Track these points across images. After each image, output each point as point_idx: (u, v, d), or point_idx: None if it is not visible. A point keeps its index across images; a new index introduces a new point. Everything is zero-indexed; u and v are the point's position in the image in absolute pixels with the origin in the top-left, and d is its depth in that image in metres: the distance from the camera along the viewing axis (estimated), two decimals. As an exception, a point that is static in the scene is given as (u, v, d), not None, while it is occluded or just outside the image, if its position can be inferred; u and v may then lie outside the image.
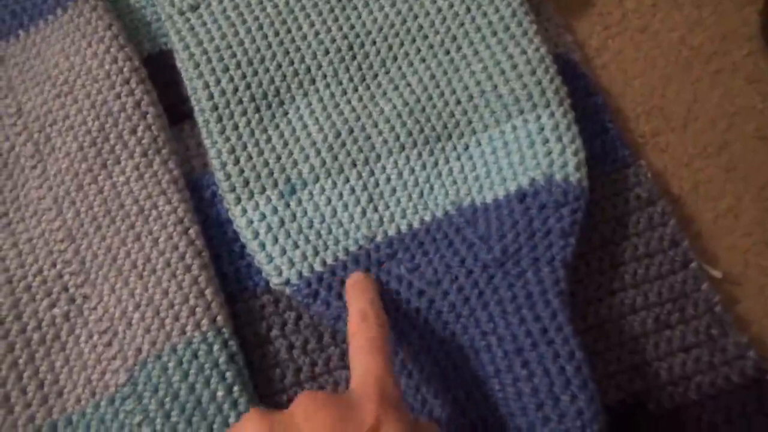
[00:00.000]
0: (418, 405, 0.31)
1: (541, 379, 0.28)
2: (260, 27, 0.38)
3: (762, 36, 0.39)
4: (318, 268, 0.33)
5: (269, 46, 0.38)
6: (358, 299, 0.31)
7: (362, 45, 0.38)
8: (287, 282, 0.33)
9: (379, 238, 0.34)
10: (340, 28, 0.38)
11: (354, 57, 0.38)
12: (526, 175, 0.34)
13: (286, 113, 0.37)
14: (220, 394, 0.30)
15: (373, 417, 0.25)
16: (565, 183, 0.33)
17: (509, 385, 0.29)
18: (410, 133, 0.36)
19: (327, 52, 0.38)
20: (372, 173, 0.36)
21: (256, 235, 0.34)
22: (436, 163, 0.36)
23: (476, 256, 0.32)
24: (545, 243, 0.32)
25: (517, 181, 0.34)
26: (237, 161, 0.36)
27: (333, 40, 0.38)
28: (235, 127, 0.36)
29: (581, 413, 0.28)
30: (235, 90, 0.37)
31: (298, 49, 0.38)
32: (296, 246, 0.34)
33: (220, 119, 0.36)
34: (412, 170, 0.35)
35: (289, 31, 0.38)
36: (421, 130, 0.36)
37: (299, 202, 0.35)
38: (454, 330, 0.31)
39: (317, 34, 0.38)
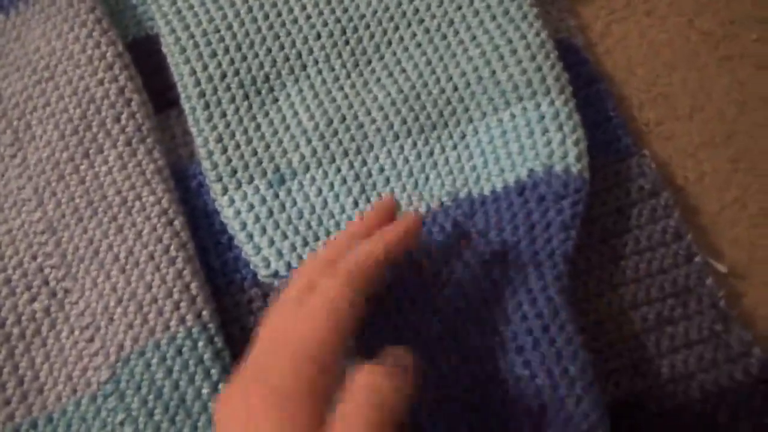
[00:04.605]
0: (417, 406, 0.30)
1: (544, 381, 0.28)
2: (249, 10, 0.37)
3: (772, 20, 0.38)
4: (309, 259, 0.32)
5: (259, 30, 0.37)
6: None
7: (355, 29, 0.37)
8: (276, 274, 0.33)
9: (372, 230, 0.33)
10: (333, 12, 0.37)
11: (347, 42, 0.37)
12: (525, 166, 0.33)
13: (275, 100, 0.36)
14: (205, 391, 0.30)
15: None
16: (565, 174, 0.32)
17: (511, 386, 0.28)
18: (405, 121, 0.35)
19: (318, 36, 0.37)
20: (365, 163, 0.35)
21: (244, 225, 0.33)
22: (431, 153, 0.34)
23: (474, 250, 0.31)
24: (545, 237, 0.31)
25: (515, 173, 0.33)
26: (225, 150, 0.35)
27: (325, 24, 0.37)
28: (223, 114, 0.35)
29: (587, 416, 0.27)
30: (223, 76, 0.36)
31: (288, 33, 0.37)
32: (285, 237, 0.33)
33: (207, 106, 0.36)
34: (407, 160, 0.34)
35: (279, 14, 0.37)
36: (416, 118, 0.35)
37: (289, 192, 0.34)
38: (453, 328, 0.30)
39: (309, 17, 0.37)
